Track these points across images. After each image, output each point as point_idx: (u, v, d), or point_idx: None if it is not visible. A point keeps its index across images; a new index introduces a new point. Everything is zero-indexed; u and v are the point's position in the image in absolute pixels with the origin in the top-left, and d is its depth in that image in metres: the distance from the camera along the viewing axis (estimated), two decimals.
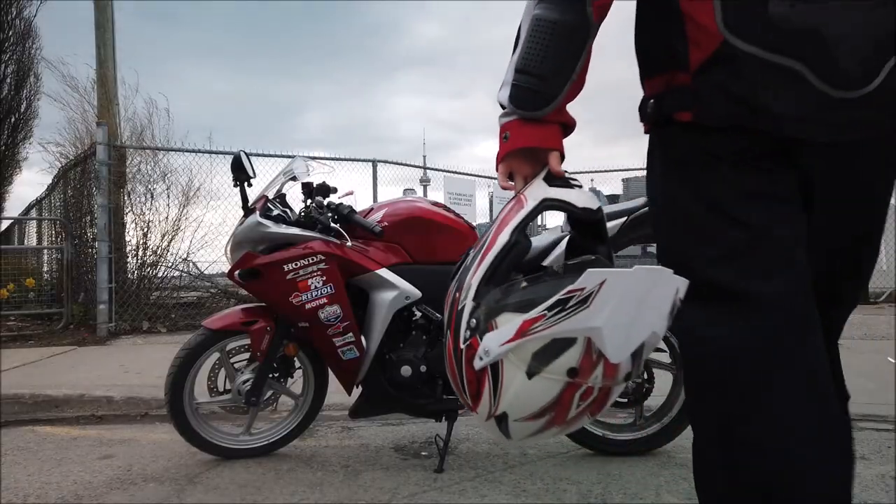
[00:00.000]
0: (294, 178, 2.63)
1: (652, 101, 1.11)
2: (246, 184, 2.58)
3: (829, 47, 0.91)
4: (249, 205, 2.57)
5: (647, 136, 1.15)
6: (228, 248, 2.56)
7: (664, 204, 1.13)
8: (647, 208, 2.47)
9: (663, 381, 2.61)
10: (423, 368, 2.44)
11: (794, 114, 0.95)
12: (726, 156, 1.02)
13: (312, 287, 2.38)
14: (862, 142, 0.99)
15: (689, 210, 1.06)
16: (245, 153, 2.58)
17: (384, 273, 2.45)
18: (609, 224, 2.41)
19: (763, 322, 0.99)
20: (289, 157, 7.35)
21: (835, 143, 0.98)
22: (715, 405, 1.04)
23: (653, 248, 2.69)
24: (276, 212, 2.55)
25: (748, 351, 0.99)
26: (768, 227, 1.00)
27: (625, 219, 2.46)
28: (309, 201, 2.58)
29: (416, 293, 2.45)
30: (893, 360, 4.17)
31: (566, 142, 1.20)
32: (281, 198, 2.63)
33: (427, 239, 2.51)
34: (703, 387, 1.07)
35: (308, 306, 2.39)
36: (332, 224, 2.49)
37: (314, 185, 2.64)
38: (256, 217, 2.48)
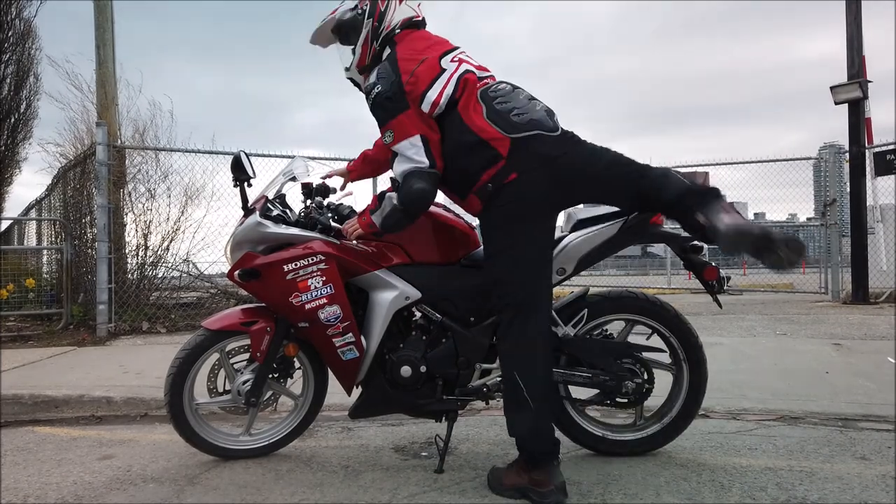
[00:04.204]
0: (294, 179, 2.62)
1: (490, 184, 2.14)
2: (246, 184, 2.57)
3: None
4: (249, 205, 2.57)
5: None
6: (228, 249, 2.55)
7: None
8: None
9: (663, 382, 2.61)
10: (422, 369, 2.44)
11: None
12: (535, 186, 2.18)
13: (312, 287, 2.38)
14: None
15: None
16: (245, 153, 2.57)
17: (384, 273, 2.44)
18: (608, 225, 2.42)
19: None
20: (285, 156, 7.38)
21: None
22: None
23: (653, 249, 2.70)
24: (275, 212, 2.54)
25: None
26: None
27: (624, 220, 2.45)
28: (309, 202, 2.57)
29: (416, 293, 2.45)
30: (893, 360, 4.17)
31: None
32: (281, 198, 2.62)
33: (427, 239, 2.49)
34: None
35: (308, 306, 2.38)
36: (332, 224, 2.49)
37: (314, 186, 2.64)
38: (256, 217, 2.47)
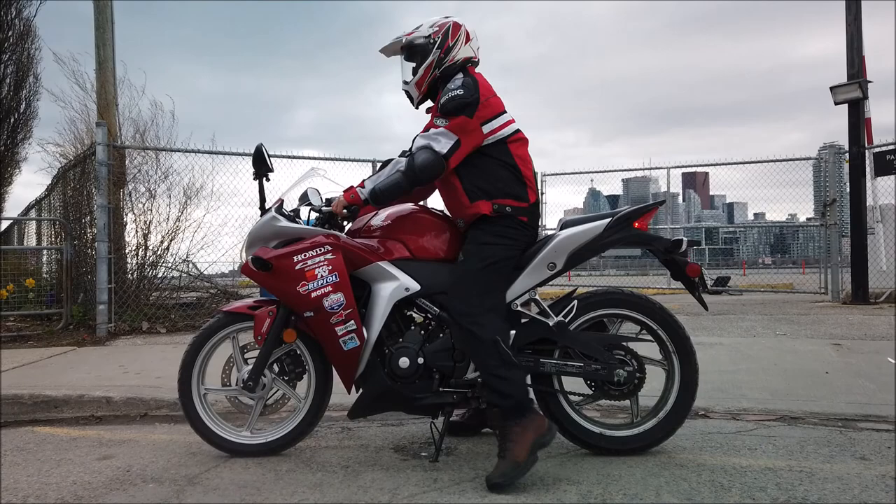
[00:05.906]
0: (308, 203, 2.70)
1: (509, 208, 2.49)
2: (265, 178, 2.70)
3: None
4: (267, 206, 2.68)
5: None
6: (244, 247, 2.68)
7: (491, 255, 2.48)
8: (629, 210, 2.57)
9: (657, 382, 2.62)
10: (420, 360, 2.50)
11: None
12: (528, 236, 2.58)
13: (319, 276, 2.48)
14: None
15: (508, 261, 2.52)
16: (264, 146, 2.67)
17: (385, 265, 2.55)
18: (594, 224, 2.56)
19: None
20: (286, 156, 7.39)
21: None
22: None
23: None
24: (289, 213, 2.66)
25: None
26: None
27: (609, 219, 2.55)
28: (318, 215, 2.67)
29: (416, 285, 2.54)
30: (893, 360, 4.17)
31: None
32: (294, 212, 2.72)
33: (427, 237, 2.61)
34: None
35: (314, 294, 2.47)
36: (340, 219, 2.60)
37: (325, 200, 2.75)
38: (272, 213, 2.60)
